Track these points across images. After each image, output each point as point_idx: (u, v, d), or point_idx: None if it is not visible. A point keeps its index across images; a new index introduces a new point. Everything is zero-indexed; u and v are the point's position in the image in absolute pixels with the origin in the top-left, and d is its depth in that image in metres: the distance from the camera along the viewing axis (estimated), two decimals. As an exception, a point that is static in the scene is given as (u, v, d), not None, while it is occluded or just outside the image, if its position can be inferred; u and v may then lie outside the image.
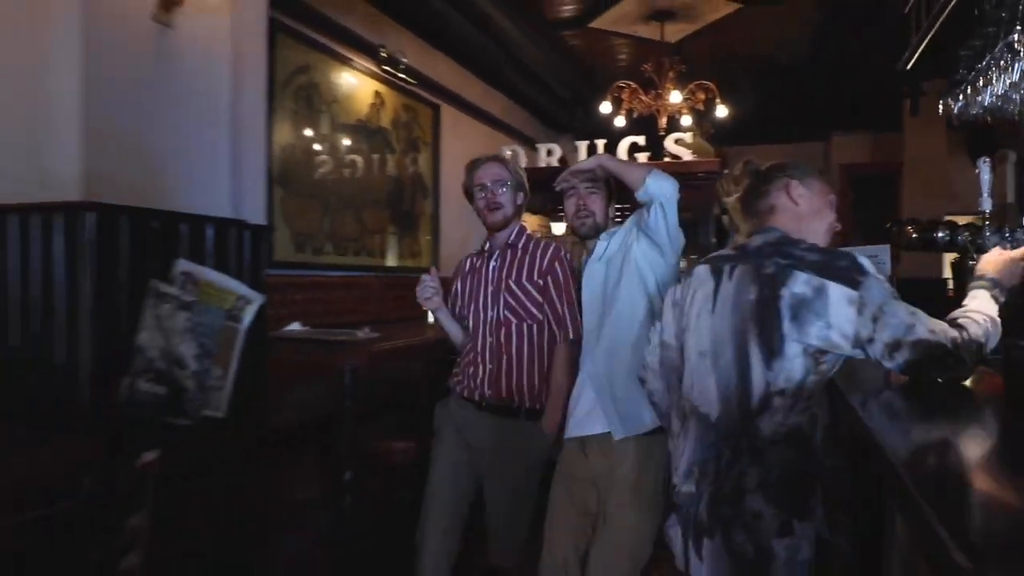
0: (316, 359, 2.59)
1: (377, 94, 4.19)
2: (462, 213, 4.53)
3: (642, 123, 5.05)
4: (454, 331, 2.23)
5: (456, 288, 2.27)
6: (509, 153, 3.50)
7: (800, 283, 1.28)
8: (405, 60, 4.21)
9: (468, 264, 2.29)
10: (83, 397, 1.71)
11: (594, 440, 1.90)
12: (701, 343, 1.44)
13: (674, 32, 4.78)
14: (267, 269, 2.33)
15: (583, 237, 2.08)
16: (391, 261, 4.42)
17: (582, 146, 4.90)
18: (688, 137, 4.58)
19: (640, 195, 1.85)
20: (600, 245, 2.03)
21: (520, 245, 2.18)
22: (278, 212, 3.37)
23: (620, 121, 4.97)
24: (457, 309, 2.24)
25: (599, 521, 1.90)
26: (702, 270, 1.51)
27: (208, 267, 2.01)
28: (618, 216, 2.28)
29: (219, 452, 2.01)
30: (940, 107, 2.36)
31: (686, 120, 5.02)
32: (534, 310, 2.11)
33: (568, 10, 4.60)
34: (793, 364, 1.29)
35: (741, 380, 1.34)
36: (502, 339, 2.10)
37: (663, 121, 4.85)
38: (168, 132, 1.96)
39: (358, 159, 4.06)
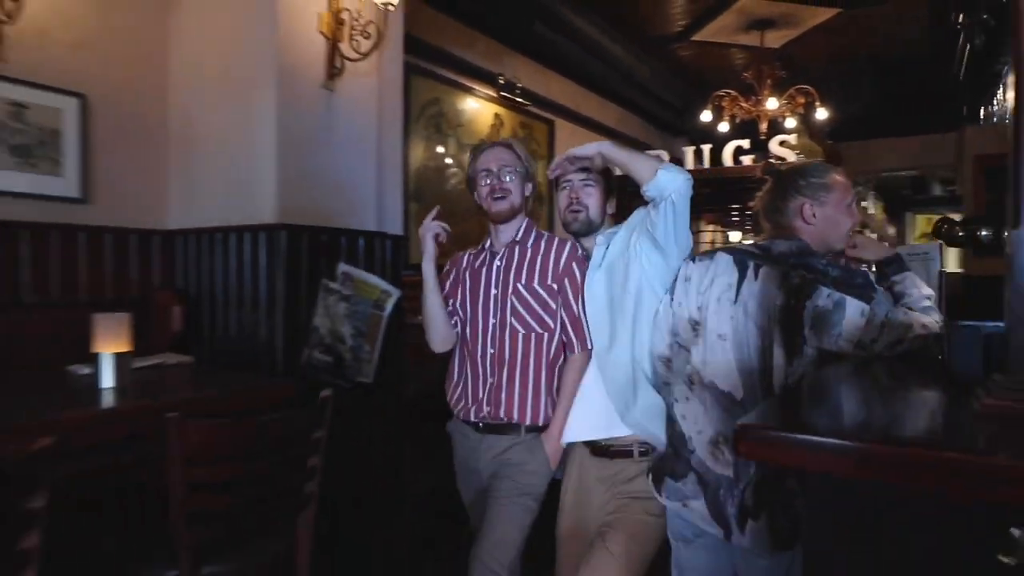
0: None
1: (496, 116, 4.80)
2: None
3: (748, 126, 5.28)
4: (440, 317, 1.94)
5: (449, 285, 2.04)
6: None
7: (823, 297, 1.43)
8: (520, 84, 4.78)
9: (465, 261, 2.04)
10: (278, 361, 2.42)
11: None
12: (721, 327, 1.53)
13: (776, 38, 4.97)
14: (404, 270, 2.97)
15: (575, 233, 1.90)
16: (510, 262, 5.00)
17: (688, 151, 5.23)
18: (793, 138, 4.78)
19: (649, 190, 1.64)
20: (598, 251, 1.85)
21: (530, 243, 1.94)
22: (413, 223, 4.06)
23: (724, 127, 5.23)
24: (448, 310, 1.98)
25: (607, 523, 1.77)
26: (725, 259, 1.58)
27: (360, 268, 2.68)
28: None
29: (367, 408, 2.67)
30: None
31: (790, 122, 5.18)
32: (546, 318, 1.86)
33: (671, 27, 4.94)
34: (805, 361, 1.46)
35: (764, 371, 1.48)
36: (506, 350, 1.86)
37: (763, 126, 5.05)
38: (332, 169, 2.63)
39: (480, 173, 4.69)
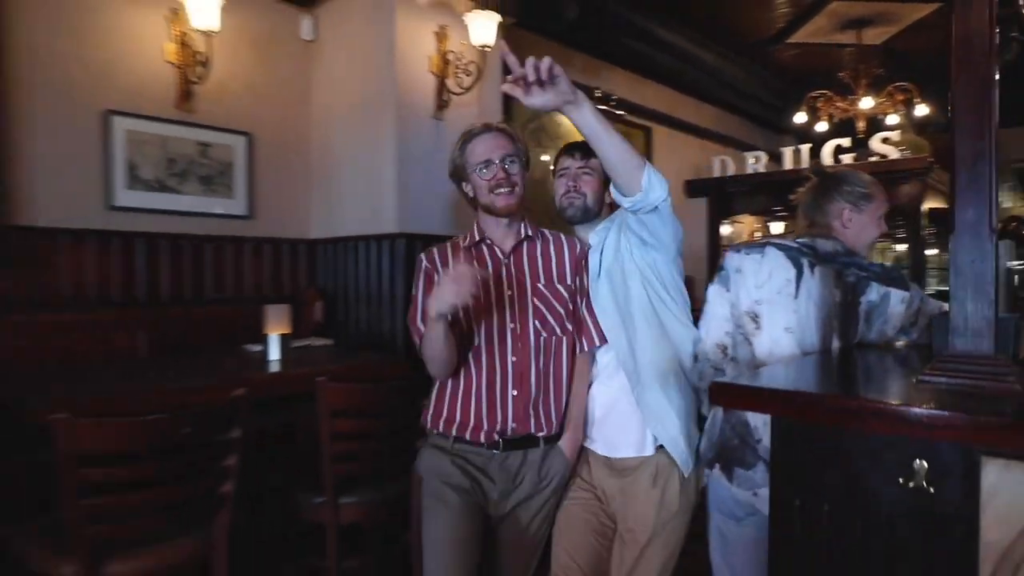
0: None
1: (593, 126, 5.15)
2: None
3: (846, 125, 5.28)
4: (447, 344, 1.62)
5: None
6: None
7: (873, 292, 1.60)
8: (615, 96, 5.10)
9: (450, 260, 1.77)
10: (397, 344, 2.93)
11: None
12: (787, 320, 1.62)
13: (876, 35, 4.96)
14: None
15: (569, 221, 1.86)
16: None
17: (787, 152, 5.33)
18: (896, 135, 4.78)
19: (637, 201, 1.52)
20: (593, 257, 1.81)
21: (539, 240, 1.79)
22: (515, 227, 4.52)
23: (822, 126, 5.27)
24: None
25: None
26: (777, 255, 1.66)
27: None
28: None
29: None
30: None
31: (892, 119, 5.13)
32: (567, 321, 1.75)
33: (766, 31, 5.07)
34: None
35: None
36: (531, 357, 1.70)
37: (860, 124, 5.05)
38: (440, 186, 3.12)
39: (578, 181, 5.07)
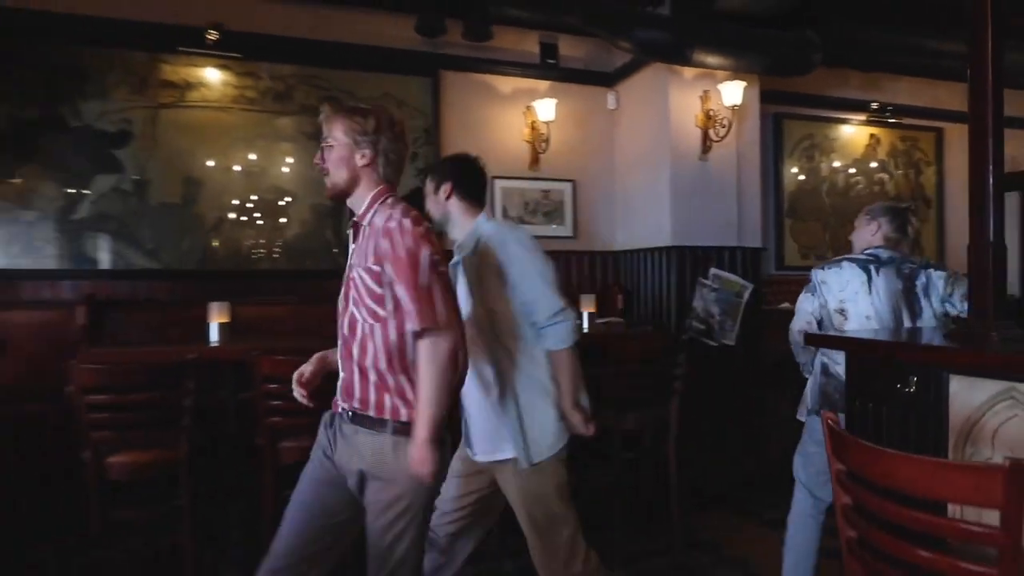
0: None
1: (872, 136, 5.55)
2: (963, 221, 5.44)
3: None
4: None
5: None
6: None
7: (922, 276, 2.41)
8: (891, 107, 5.43)
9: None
10: (671, 324, 4.10)
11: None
12: (867, 311, 2.39)
13: None
14: (773, 271, 4.35)
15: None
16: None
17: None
18: None
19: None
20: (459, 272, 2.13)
21: (370, 226, 1.77)
22: (787, 234, 5.26)
23: None
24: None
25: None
26: (851, 266, 2.44)
27: (725, 271, 4.17)
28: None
29: (730, 360, 4.14)
30: None
31: None
32: (378, 306, 1.75)
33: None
34: (925, 321, 2.39)
35: (896, 330, 2.34)
36: (350, 340, 1.82)
37: None
38: (704, 208, 4.20)
39: (855, 187, 5.53)
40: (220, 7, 3.87)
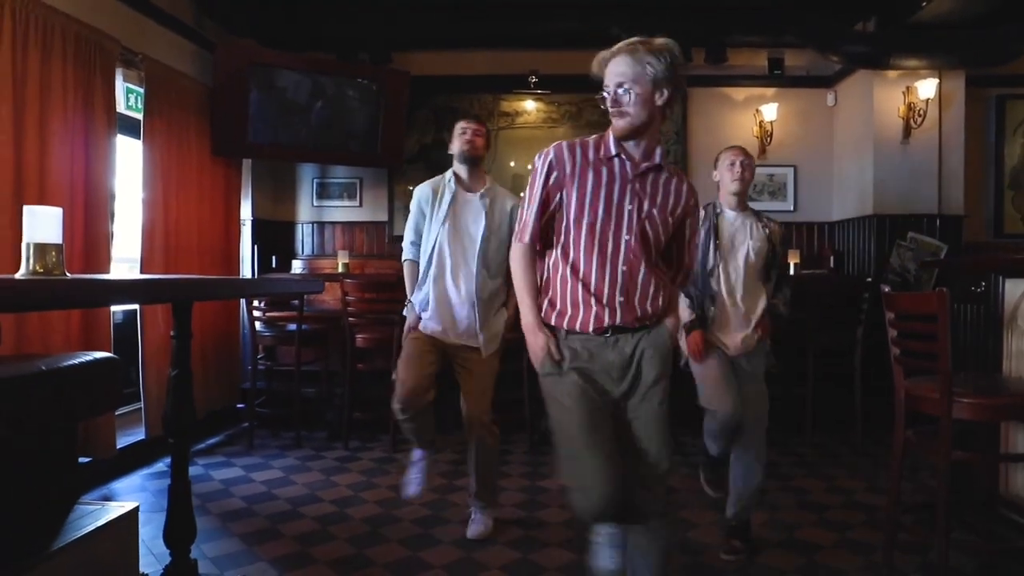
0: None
1: (1116, 108, 5.72)
2: None
3: None
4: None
5: (567, 177, 1.87)
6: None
7: None
8: None
9: (579, 157, 1.88)
10: (872, 276, 5.14)
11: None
12: None
13: None
14: (993, 238, 5.21)
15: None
16: None
17: None
18: None
19: None
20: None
21: (667, 171, 1.91)
22: (1007, 205, 5.78)
23: None
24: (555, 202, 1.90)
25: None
26: None
27: (923, 234, 5.07)
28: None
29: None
30: None
31: None
32: (661, 250, 1.99)
33: None
34: None
35: None
36: (640, 270, 1.91)
37: None
38: (908, 183, 5.12)
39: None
40: (536, 60, 5.85)
